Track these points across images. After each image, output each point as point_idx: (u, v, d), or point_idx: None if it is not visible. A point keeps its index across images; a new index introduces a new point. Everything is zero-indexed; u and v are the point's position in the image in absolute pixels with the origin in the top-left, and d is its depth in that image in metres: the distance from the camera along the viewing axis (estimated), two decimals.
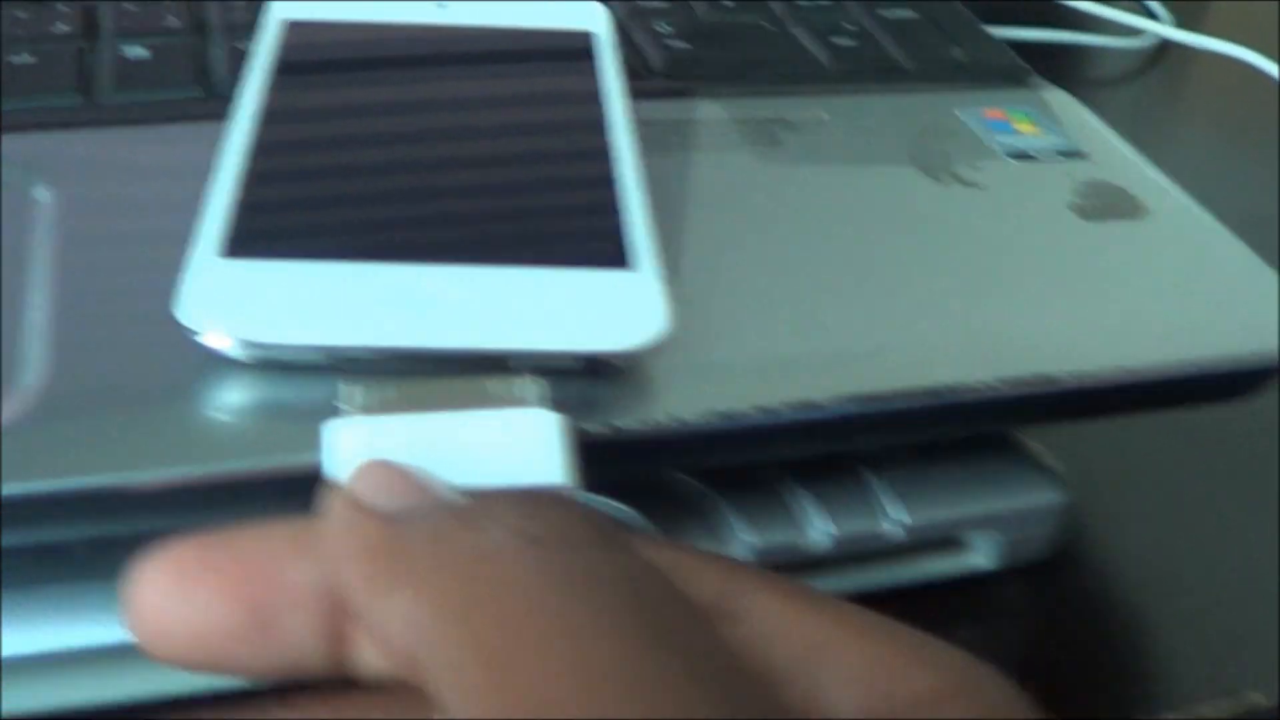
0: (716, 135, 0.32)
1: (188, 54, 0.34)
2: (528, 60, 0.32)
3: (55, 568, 0.25)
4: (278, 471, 0.22)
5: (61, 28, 0.35)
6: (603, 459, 0.21)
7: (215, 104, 0.31)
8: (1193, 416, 0.30)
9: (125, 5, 0.36)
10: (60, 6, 0.35)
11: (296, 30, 0.32)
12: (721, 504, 0.28)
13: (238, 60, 0.33)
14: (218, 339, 0.23)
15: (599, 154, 0.28)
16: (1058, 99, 0.36)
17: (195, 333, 0.23)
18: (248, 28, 0.34)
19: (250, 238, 0.24)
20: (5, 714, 0.25)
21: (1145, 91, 0.57)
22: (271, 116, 0.28)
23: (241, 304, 0.23)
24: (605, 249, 0.25)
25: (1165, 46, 0.59)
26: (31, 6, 0.35)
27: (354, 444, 0.20)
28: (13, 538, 0.22)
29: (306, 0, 0.33)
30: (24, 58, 0.33)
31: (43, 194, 0.28)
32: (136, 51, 0.33)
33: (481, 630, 0.16)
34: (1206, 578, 0.31)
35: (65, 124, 0.31)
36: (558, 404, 0.21)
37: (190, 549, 0.18)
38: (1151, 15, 0.60)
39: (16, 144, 0.30)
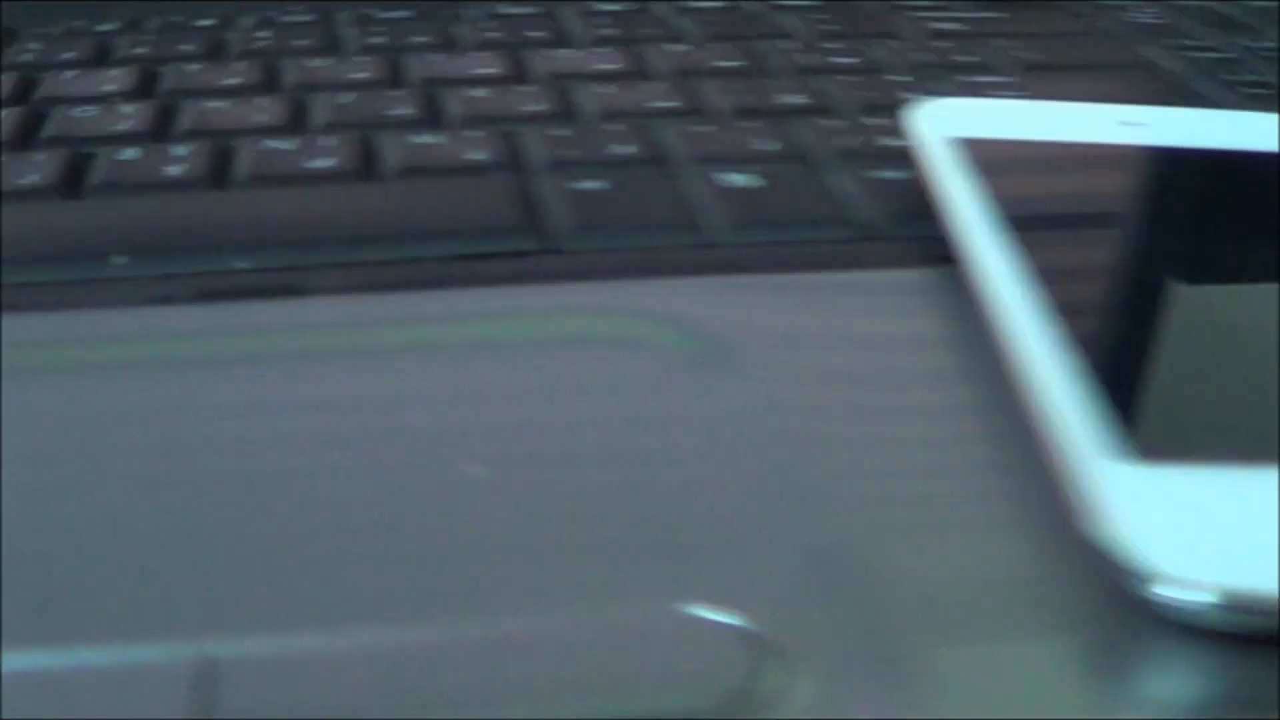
0: None
1: (800, 182, 0.26)
2: None
3: None
4: None
5: (618, 150, 0.27)
6: None
7: (872, 246, 0.24)
8: None
9: (701, 128, 0.28)
10: (610, 126, 0.28)
11: (976, 149, 0.24)
12: None
13: (872, 189, 0.25)
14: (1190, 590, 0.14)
15: None
16: None
17: (1147, 580, 0.14)
18: (866, 151, 0.26)
19: (1163, 437, 0.16)
20: None
21: None
22: (1045, 274, 0.20)
23: (1213, 535, 0.14)
24: None
25: None
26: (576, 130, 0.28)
27: None
28: None
29: (955, 100, 0.26)
30: (592, 184, 0.25)
31: (732, 360, 0.20)
32: (738, 180, 0.26)
33: None
34: None
35: (683, 267, 0.23)
36: None
37: None
38: None
39: (633, 291, 0.22)
